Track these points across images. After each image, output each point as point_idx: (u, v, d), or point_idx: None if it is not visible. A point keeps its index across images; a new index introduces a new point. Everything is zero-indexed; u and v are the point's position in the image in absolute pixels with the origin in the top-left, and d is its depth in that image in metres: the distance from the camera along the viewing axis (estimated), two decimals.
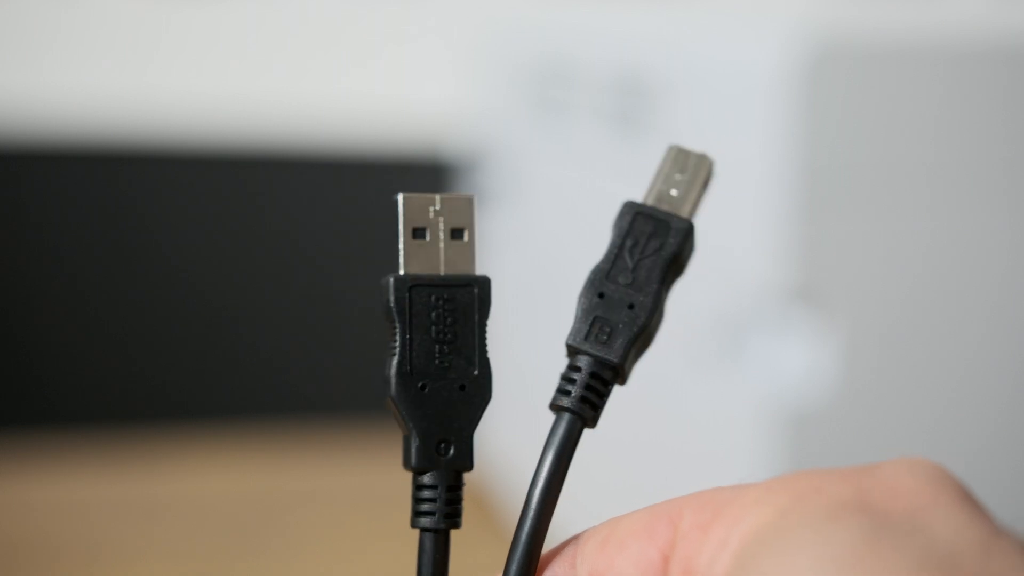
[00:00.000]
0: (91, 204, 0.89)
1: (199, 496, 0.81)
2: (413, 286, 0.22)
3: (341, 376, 0.93)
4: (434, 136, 0.90)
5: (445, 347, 0.22)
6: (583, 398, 0.23)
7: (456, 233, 0.23)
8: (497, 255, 0.79)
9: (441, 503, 0.22)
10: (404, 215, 0.23)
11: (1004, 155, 0.53)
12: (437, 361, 0.22)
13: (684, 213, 0.23)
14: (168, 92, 0.88)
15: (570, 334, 0.23)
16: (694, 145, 0.23)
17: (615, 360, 0.22)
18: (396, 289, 0.22)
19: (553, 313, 0.70)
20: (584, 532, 0.22)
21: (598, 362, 0.23)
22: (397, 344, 0.22)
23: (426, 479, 0.22)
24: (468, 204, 0.23)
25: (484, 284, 0.23)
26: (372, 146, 0.90)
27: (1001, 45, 0.53)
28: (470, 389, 0.22)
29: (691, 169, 0.23)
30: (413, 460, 0.22)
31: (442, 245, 0.23)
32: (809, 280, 0.51)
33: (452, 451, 0.22)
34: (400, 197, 0.23)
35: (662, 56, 0.59)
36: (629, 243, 0.23)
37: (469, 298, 0.22)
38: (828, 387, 0.52)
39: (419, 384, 0.22)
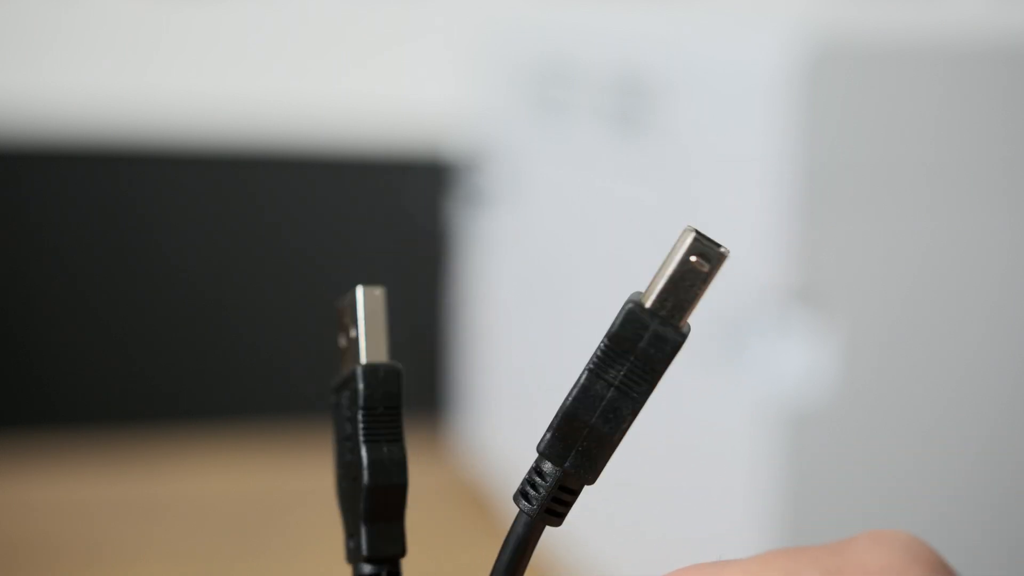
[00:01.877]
0: (91, 204, 0.89)
1: (199, 496, 0.81)
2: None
3: None
4: (434, 136, 0.90)
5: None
6: (548, 509, 0.22)
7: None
8: (497, 255, 0.79)
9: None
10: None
11: (1004, 155, 0.53)
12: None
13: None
14: (168, 92, 0.88)
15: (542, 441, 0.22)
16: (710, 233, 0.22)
17: (590, 482, 0.22)
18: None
19: (553, 313, 0.70)
20: None
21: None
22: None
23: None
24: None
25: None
26: (372, 146, 0.90)
27: (1001, 45, 0.53)
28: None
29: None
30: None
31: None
32: (809, 280, 0.51)
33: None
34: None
35: (662, 56, 0.59)
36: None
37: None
38: (828, 387, 0.52)
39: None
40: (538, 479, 0.22)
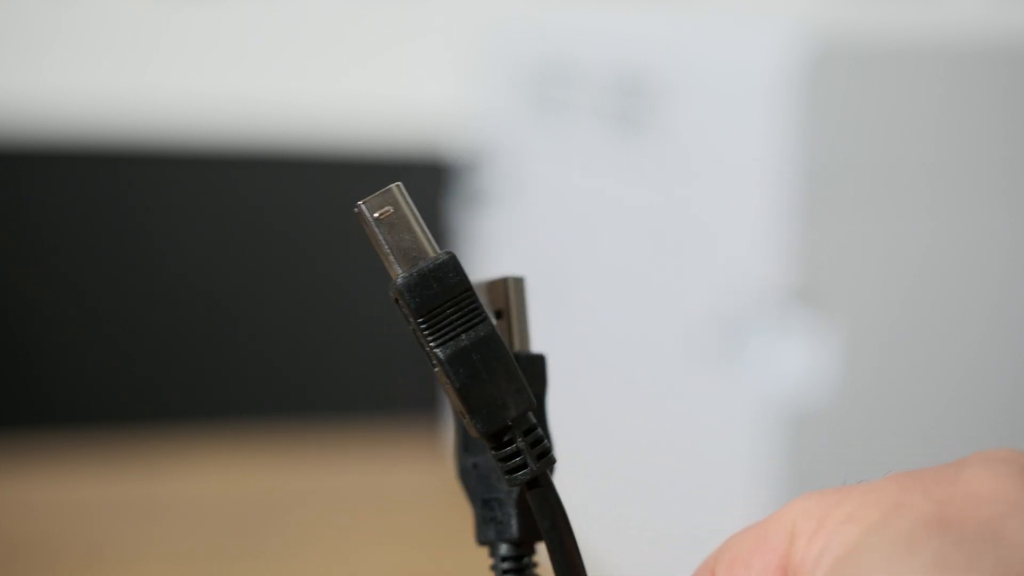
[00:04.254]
0: (91, 204, 0.89)
1: (199, 496, 0.81)
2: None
3: (341, 376, 0.93)
4: (434, 136, 0.90)
5: None
6: (534, 457, 0.22)
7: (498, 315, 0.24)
8: (497, 255, 0.79)
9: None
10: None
11: (1004, 155, 0.53)
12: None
13: (433, 250, 0.23)
14: (168, 92, 0.88)
15: (479, 427, 0.22)
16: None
17: (527, 407, 0.22)
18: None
19: (552, 313, 0.70)
20: (710, 556, 0.23)
21: (518, 421, 0.22)
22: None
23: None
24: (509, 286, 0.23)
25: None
26: (372, 146, 0.90)
27: (1001, 45, 0.53)
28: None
29: (397, 210, 0.23)
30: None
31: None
32: (809, 280, 0.51)
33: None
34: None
35: (662, 56, 0.59)
36: (437, 311, 0.22)
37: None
38: (828, 387, 0.52)
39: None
40: (507, 449, 0.22)
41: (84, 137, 0.87)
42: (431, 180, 0.88)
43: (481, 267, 0.81)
